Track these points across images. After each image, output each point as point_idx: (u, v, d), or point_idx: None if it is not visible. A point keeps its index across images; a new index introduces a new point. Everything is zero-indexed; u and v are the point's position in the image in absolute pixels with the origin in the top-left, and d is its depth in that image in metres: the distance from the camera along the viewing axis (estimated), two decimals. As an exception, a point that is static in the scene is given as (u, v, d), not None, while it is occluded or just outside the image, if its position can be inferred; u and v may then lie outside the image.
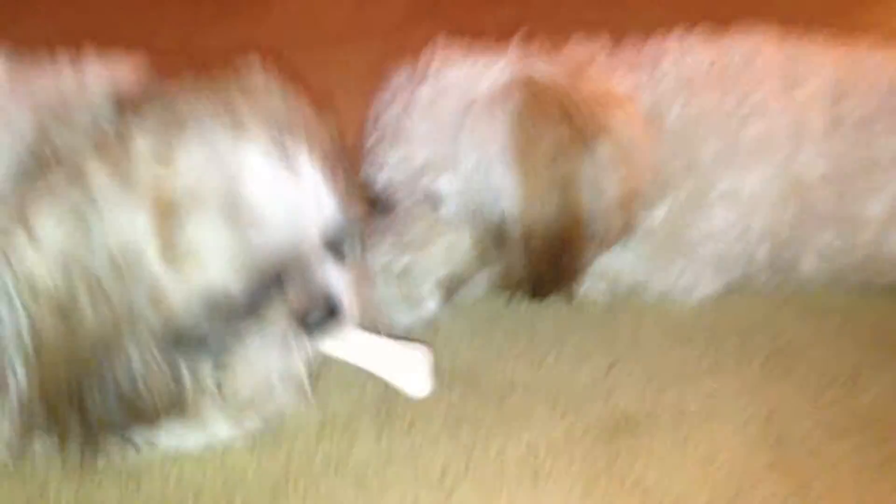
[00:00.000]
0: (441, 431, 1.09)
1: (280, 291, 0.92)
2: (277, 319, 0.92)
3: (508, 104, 1.12)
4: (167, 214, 0.84)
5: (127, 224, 0.83)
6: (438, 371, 1.06)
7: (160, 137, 0.86)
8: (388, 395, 1.13)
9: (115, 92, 0.97)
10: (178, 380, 0.91)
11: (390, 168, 1.20)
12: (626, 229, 1.20)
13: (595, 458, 1.06)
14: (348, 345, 1.01)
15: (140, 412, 0.91)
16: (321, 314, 0.95)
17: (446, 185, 1.17)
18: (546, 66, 1.19)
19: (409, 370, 1.03)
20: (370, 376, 1.16)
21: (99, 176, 0.83)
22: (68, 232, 0.83)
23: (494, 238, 1.18)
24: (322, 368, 1.16)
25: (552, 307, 1.26)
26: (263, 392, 0.98)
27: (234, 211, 0.85)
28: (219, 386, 0.95)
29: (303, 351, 0.96)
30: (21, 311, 0.84)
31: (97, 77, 1.00)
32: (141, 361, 0.88)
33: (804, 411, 1.13)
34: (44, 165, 0.88)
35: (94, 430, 0.91)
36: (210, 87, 0.95)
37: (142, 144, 0.85)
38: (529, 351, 1.23)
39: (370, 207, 1.22)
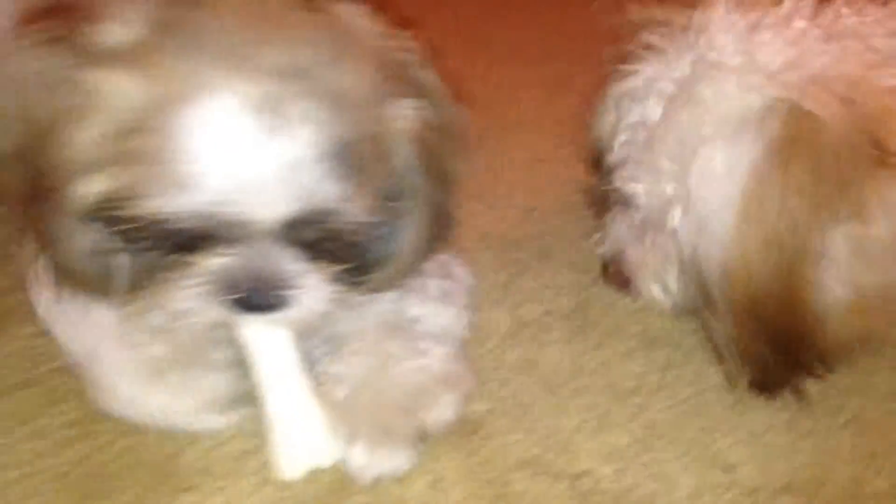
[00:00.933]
0: (635, 348, 1.05)
1: (212, 249, 0.78)
2: (197, 274, 0.79)
3: (762, 134, 0.86)
4: (104, 105, 0.73)
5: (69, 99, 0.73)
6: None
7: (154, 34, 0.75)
8: (579, 309, 1.11)
9: None
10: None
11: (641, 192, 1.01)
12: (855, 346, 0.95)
13: (804, 389, 0.98)
14: (271, 361, 0.87)
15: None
16: (249, 289, 0.79)
17: (674, 219, 0.97)
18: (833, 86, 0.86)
19: (293, 444, 0.87)
20: (563, 289, 1.14)
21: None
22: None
23: (701, 296, 0.95)
24: (515, 278, 1.16)
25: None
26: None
27: (176, 140, 0.71)
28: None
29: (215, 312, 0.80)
30: None
31: None
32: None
33: None
34: None
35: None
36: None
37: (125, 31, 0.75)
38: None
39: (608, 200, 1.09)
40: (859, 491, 0.87)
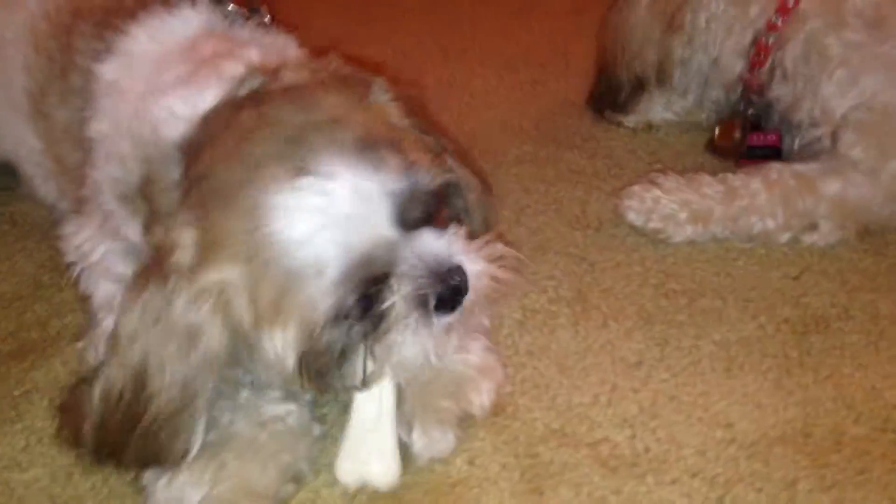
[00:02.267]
0: (635, 327, 1.16)
1: (385, 288, 0.86)
2: (395, 315, 0.87)
3: None
4: (225, 296, 0.86)
5: (192, 309, 0.85)
6: (629, 274, 1.13)
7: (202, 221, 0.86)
8: (582, 292, 1.22)
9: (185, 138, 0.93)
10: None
11: None
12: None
13: (787, 353, 1.11)
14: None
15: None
16: (437, 291, 0.88)
17: None
18: None
19: (360, 460, 0.95)
20: (566, 275, 1.25)
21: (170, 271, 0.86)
22: (148, 328, 0.87)
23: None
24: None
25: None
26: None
27: (277, 247, 0.82)
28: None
29: (435, 334, 0.89)
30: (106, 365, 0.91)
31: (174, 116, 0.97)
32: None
33: None
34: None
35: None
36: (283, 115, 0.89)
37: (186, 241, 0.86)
38: (717, 258, 1.28)
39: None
40: (842, 437, 0.99)
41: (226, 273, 0.84)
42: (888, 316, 1.15)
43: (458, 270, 0.89)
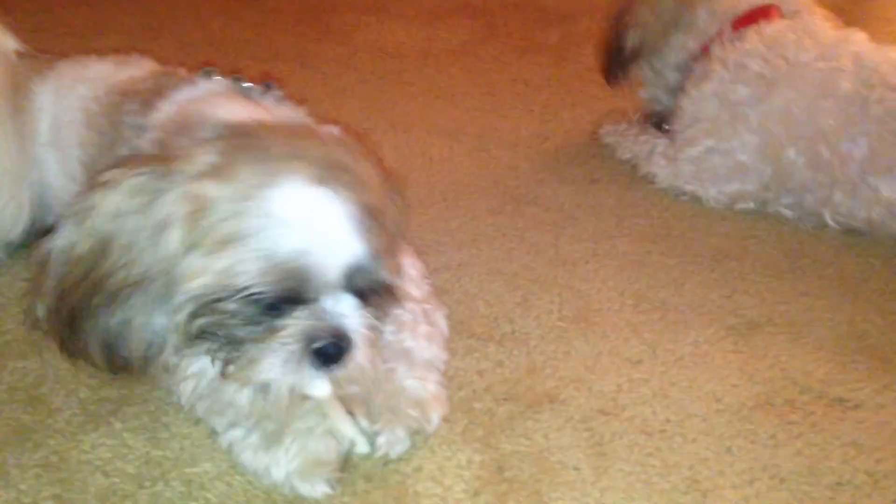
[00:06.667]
0: (629, 336, 1.49)
1: (292, 312, 1.03)
2: (286, 336, 1.03)
3: None
4: (202, 209, 1.02)
5: (170, 209, 1.02)
6: (610, 297, 1.46)
7: (226, 156, 1.06)
8: (581, 312, 1.53)
9: (228, 121, 1.17)
10: (154, 350, 1.07)
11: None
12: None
13: (740, 349, 1.47)
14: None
15: (112, 361, 1.09)
16: (327, 342, 1.04)
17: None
18: None
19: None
20: (564, 301, 1.56)
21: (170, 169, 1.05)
22: (131, 203, 1.04)
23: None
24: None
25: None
26: (257, 399, 1.10)
27: (263, 219, 1.00)
28: (225, 373, 1.07)
29: (304, 373, 1.04)
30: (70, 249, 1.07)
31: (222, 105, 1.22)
32: (130, 320, 1.05)
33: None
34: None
35: (78, 356, 1.11)
36: (290, 132, 1.14)
37: (205, 157, 1.05)
38: (672, 282, 1.65)
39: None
40: (794, 403, 1.36)
41: (217, 194, 1.01)
42: (799, 321, 1.57)
43: (350, 343, 1.06)
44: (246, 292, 1.00)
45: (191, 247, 1.02)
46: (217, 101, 1.27)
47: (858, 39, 1.85)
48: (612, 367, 1.41)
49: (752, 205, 1.93)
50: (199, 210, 1.02)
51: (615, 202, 1.94)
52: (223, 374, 1.08)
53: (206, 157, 1.05)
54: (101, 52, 1.60)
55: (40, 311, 1.11)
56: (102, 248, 1.04)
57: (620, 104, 2.29)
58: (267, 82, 1.39)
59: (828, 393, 1.38)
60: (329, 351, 1.05)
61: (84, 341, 1.08)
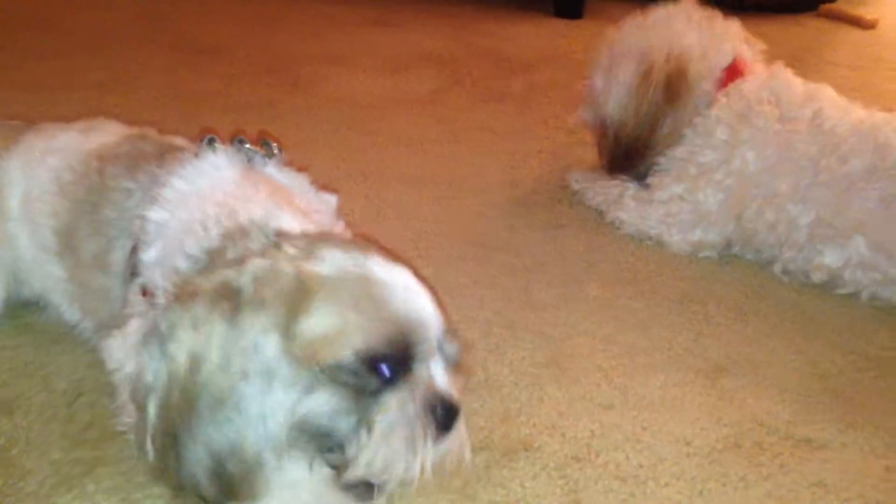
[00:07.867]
0: (600, 381, 1.52)
1: (406, 379, 1.02)
2: (405, 404, 1.01)
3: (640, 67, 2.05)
4: (297, 308, 1.00)
5: (260, 330, 1.00)
6: (581, 343, 1.49)
7: (307, 245, 1.08)
8: (554, 358, 1.56)
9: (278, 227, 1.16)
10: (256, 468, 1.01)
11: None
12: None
13: (708, 392, 1.51)
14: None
15: (222, 485, 1.02)
16: (444, 411, 1.02)
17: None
18: None
19: None
20: (536, 347, 1.58)
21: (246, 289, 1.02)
22: (214, 334, 1.00)
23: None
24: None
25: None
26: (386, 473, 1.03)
27: (371, 286, 1.03)
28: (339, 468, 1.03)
29: (429, 443, 1.01)
30: (161, 376, 1.02)
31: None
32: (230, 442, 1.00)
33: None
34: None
35: (185, 486, 1.03)
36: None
37: (290, 248, 1.07)
38: (638, 324, 1.68)
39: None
40: (762, 444, 1.39)
41: (318, 270, 1.03)
42: (764, 363, 1.61)
43: (457, 410, 1.06)
44: (364, 353, 0.99)
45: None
46: (244, 193, 1.24)
47: (824, 97, 1.93)
48: (584, 412, 1.44)
49: (714, 254, 1.98)
50: (303, 288, 1.02)
51: (583, 248, 1.99)
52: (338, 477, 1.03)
53: (287, 269, 1.04)
54: (72, 106, 1.60)
55: (150, 453, 1.04)
56: (194, 363, 1.01)
57: (585, 152, 2.35)
58: (265, 140, 1.38)
59: (794, 434, 1.42)
60: (442, 419, 1.03)
61: (190, 470, 1.02)
